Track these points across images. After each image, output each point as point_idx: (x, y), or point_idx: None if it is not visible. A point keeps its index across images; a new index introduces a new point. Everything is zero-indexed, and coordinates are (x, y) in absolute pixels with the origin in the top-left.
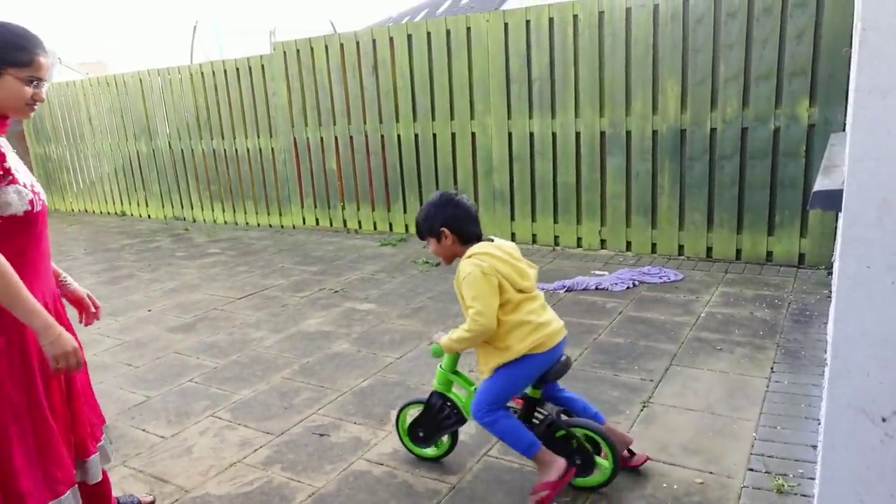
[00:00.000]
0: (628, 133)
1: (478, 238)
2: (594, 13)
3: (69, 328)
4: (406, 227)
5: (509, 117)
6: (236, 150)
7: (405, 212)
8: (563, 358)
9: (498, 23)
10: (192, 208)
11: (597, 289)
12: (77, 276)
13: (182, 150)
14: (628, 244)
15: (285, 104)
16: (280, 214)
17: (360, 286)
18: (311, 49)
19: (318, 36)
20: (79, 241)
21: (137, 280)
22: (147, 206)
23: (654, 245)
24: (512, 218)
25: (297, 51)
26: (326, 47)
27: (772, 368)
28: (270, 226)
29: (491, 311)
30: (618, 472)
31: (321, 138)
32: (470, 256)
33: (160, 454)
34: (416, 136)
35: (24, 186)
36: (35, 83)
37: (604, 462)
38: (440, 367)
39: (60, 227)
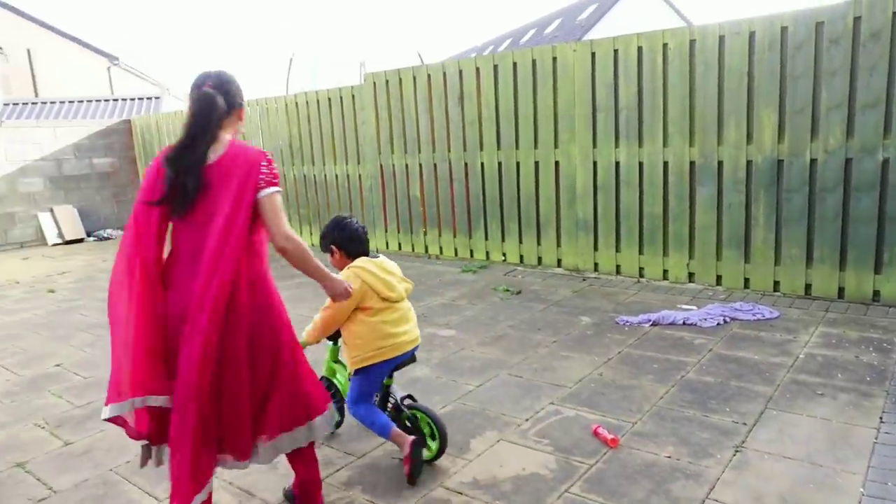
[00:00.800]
0: (720, 163)
1: (364, 254)
2: (685, 42)
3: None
4: (487, 254)
5: (594, 146)
6: (325, 176)
7: (486, 239)
8: (411, 360)
9: (585, 53)
10: None
11: (684, 324)
12: None
13: None
14: (718, 278)
15: (373, 132)
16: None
17: (440, 312)
18: (400, 80)
19: (406, 67)
20: None
21: None
22: None
23: (746, 280)
24: (595, 248)
25: (387, 81)
26: (414, 78)
27: (881, 418)
28: None
29: (337, 313)
30: (443, 453)
31: (406, 165)
32: (350, 267)
33: (249, 468)
34: (500, 164)
35: None
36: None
37: (433, 444)
38: (327, 357)
39: None
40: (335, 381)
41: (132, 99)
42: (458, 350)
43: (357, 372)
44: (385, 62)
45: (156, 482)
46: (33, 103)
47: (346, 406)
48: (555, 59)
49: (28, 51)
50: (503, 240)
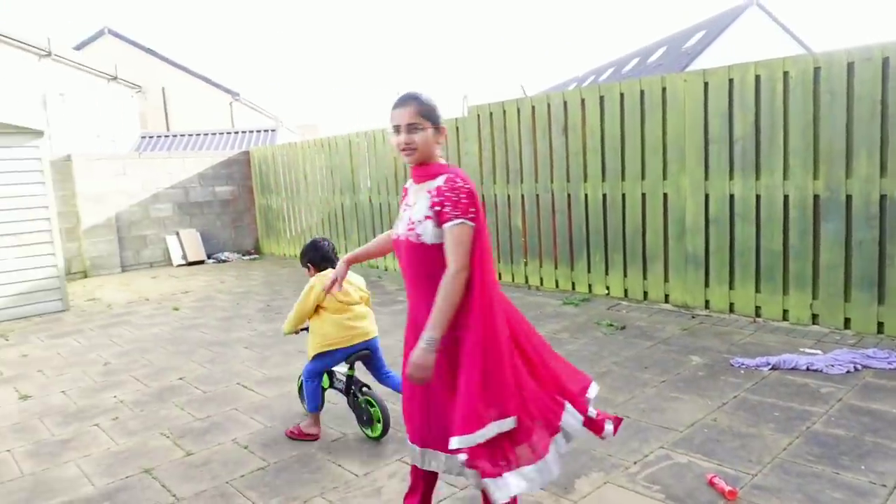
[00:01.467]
0: (849, 197)
1: (332, 268)
2: (808, 69)
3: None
4: (589, 286)
5: (706, 178)
6: None
7: (589, 271)
8: (365, 350)
9: (697, 82)
10: (385, 258)
11: (808, 369)
12: (286, 316)
13: (380, 204)
14: (847, 321)
15: (476, 163)
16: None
17: None
18: (504, 111)
19: (511, 100)
20: (290, 283)
21: None
22: (346, 253)
23: (880, 324)
24: (706, 284)
25: (491, 113)
26: (518, 109)
27: None
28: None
29: (302, 309)
30: (387, 431)
31: (508, 196)
32: (316, 276)
33: (353, 491)
34: (605, 195)
35: (401, 220)
36: (395, 132)
37: (379, 426)
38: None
39: (274, 268)
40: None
41: (251, 131)
42: None
43: (315, 356)
44: (487, 94)
45: (269, 496)
46: (165, 136)
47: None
48: (664, 89)
49: (163, 89)
50: (607, 272)
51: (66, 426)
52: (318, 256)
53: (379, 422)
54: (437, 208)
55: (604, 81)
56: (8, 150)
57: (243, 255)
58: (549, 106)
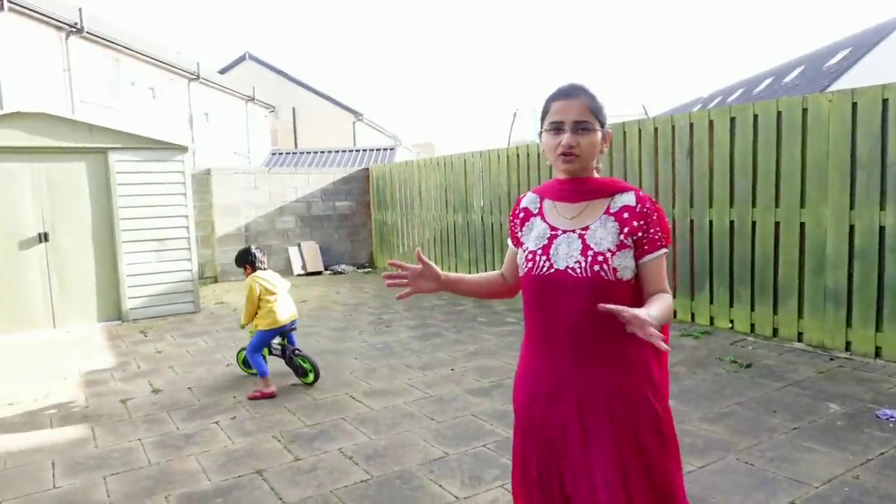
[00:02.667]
0: None
1: (262, 269)
2: None
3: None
4: (711, 319)
5: (852, 207)
6: None
7: (711, 303)
8: (293, 327)
9: (844, 102)
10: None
11: None
12: (395, 330)
13: (492, 224)
14: None
15: None
16: None
17: None
18: (624, 133)
19: (631, 120)
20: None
21: (444, 339)
22: (456, 270)
23: None
24: (848, 324)
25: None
26: (640, 130)
27: None
28: None
29: (252, 304)
30: (318, 377)
31: None
32: (251, 277)
33: None
34: (732, 222)
35: (526, 251)
36: (555, 130)
37: (311, 375)
38: (249, 331)
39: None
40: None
41: (370, 150)
42: (676, 423)
43: (261, 333)
44: (607, 114)
45: None
46: (293, 153)
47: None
48: (805, 110)
49: (293, 109)
50: (731, 305)
51: (190, 421)
52: (251, 259)
53: (311, 371)
54: (640, 234)
55: (733, 102)
56: (157, 164)
57: (358, 267)
58: (673, 127)
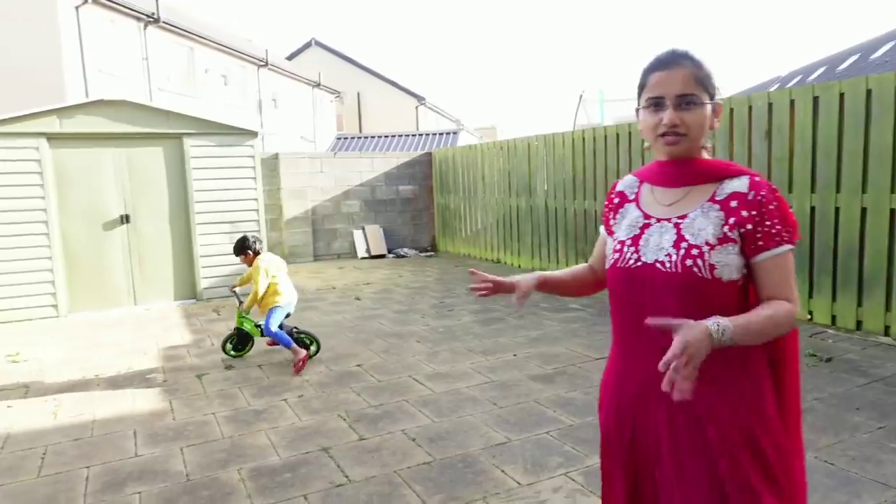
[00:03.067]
0: None
1: (259, 253)
2: None
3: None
4: None
5: None
6: None
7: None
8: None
9: None
10: (559, 263)
11: None
12: (457, 314)
13: (556, 209)
14: None
15: None
16: None
17: None
18: None
19: None
20: (462, 281)
21: (506, 324)
22: (519, 256)
23: None
24: None
25: None
26: None
27: None
28: None
29: (261, 287)
30: (319, 349)
31: None
32: (258, 261)
33: (516, 500)
34: (813, 208)
35: (615, 241)
36: (654, 107)
37: (313, 347)
38: (240, 314)
39: (448, 266)
40: (244, 328)
41: (433, 134)
42: None
43: (271, 310)
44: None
45: (432, 492)
46: (357, 137)
47: (263, 329)
48: None
49: (358, 94)
50: (810, 296)
51: (261, 398)
52: (251, 247)
53: (312, 343)
54: (750, 226)
55: (815, 81)
56: (229, 149)
57: (420, 251)
58: (750, 108)
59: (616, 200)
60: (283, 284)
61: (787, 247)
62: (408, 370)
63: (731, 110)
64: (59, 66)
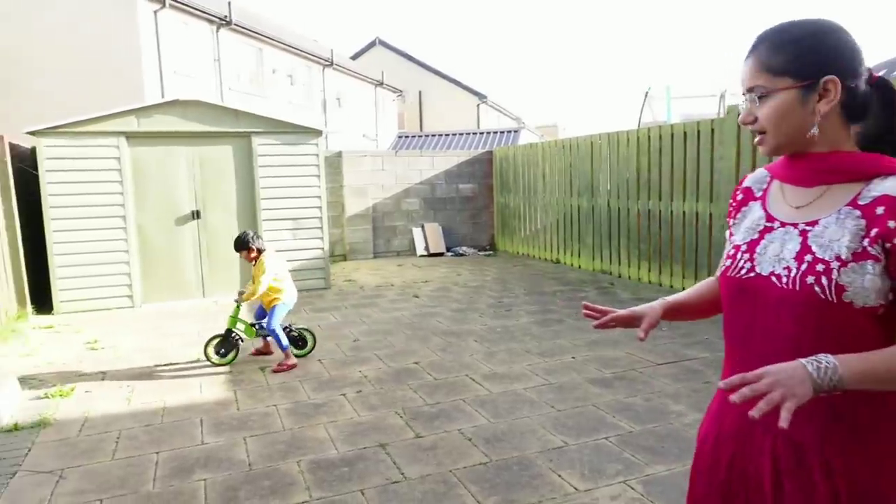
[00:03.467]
0: None
1: (263, 250)
2: None
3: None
4: None
5: None
6: (672, 212)
7: None
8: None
9: None
10: (620, 264)
11: None
12: (515, 314)
13: (619, 209)
14: None
15: (731, 168)
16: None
17: None
18: None
19: None
20: (521, 281)
21: (565, 326)
22: (579, 257)
23: None
24: None
25: None
26: None
27: None
28: None
29: (258, 283)
30: (315, 346)
31: None
32: (265, 257)
33: None
34: None
35: (732, 245)
36: (746, 98)
37: (309, 344)
38: (231, 315)
39: (507, 266)
40: (236, 329)
41: (494, 132)
42: None
43: (274, 308)
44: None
45: (488, 493)
46: (419, 136)
47: (266, 327)
48: None
49: (419, 92)
50: None
51: (320, 392)
52: (252, 242)
53: (310, 339)
54: None
55: None
56: (294, 147)
57: (479, 250)
58: None
59: (739, 197)
60: (286, 282)
61: None
62: (465, 369)
63: None
64: (138, 68)
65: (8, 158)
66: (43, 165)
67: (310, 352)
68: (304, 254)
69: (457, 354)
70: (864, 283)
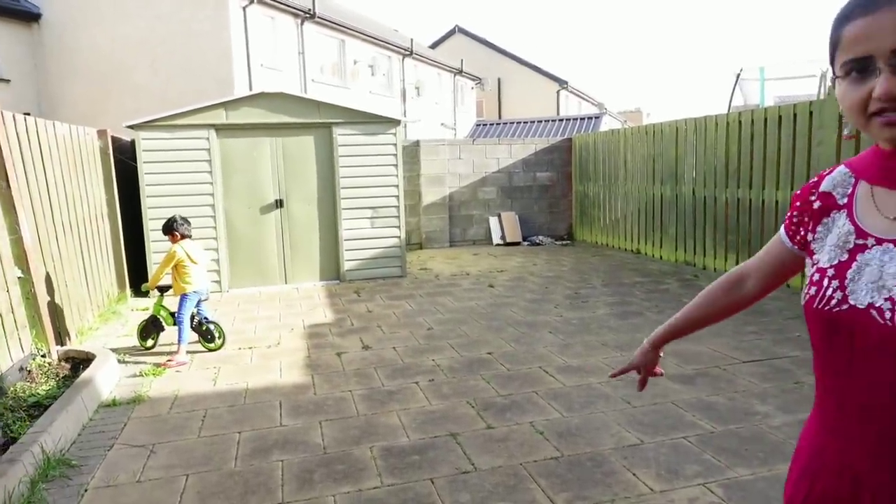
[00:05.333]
0: None
1: (189, 237)
2: None
3: None
4: None
5: None
6: (763, 202)
7: None
8: (206, 297)
9: None
10: (705, 255)
11: None
12: (592, 306)
13: (705, 198)
14: None
15: (831, 154)
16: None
17: None
18: None
19: None
20: (598, 272)
21: (645, 319)
22: (661, 247)
23: None
24: None
25: None
26: None
27: None
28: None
29: (162, 267)
30: (224, 343)
31: None
32: (177, 244)
33: None
34: None
35: (815, 267)
36: (858, 73)
37: (218, 341)
38: (155, 301)
39: (584, 256)
40: (160, 316)
41: (574, 119)
42: None
43: (182, 297)
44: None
45: (558, 488)
46: (497, 124)
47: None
48: None
49: (498, 79)
50: None
51: (394, 379)
52: (180, 228)
53: (220, 336)
54: None
55: None
56: (373, 137)
57: (556, 239)
58: None
59: (817, 204)
60: (194, 272)
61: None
62: (538, 361)
63: None
64: (228, 62)
65: (110, 151)
66: (141, 157)
67: (219, 348)
68: (381, 241)
69: (531, 346)
70: None
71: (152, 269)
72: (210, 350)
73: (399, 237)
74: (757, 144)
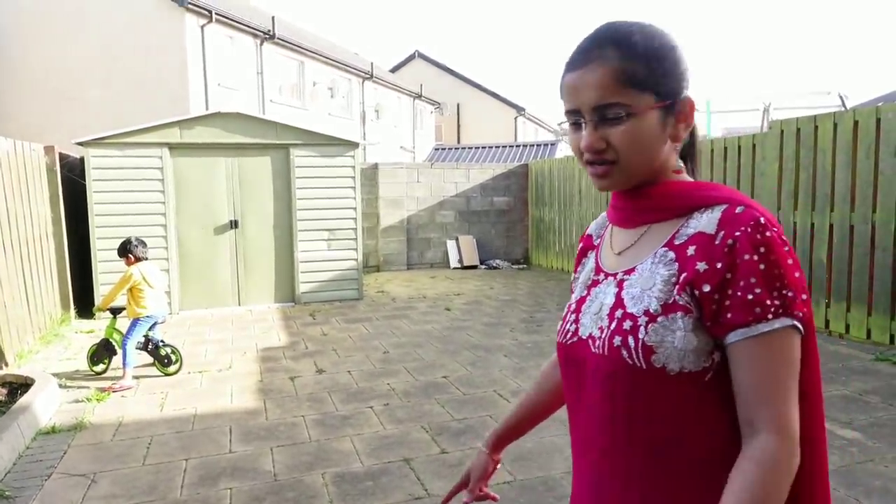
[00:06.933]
0: None
1: (144, 259)
2: None
3: None
4: None
5: None
6: None
7: None
8: (163, 319)
9: None
10: None
11: None
12: (546, 329)
13: None
14: None
15: (773, 186)
16: None
17: (840, 406)
18: (816, 127)
19: (825, 113)
20: (553, 296)
21: None
22: None
23: None
24: None
25: (798, 129)
26: (835, 125)
27: None
28: None
29: (117, 289)
30: (181, 368)
31: (812, 224)
32: (134, 265)
33: None
34: None
35: (567, 306)
36: (574, 125)
37: (175, 365)
38: (108, 325)
39: (540, 280)
40: (112, 340)
41: (531, 145)
42: (863, 461)
43: (134, 321)
44: (793, 109)
45: None
46: (455, 148)
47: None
48: None
49: (457, 105)
50: None
51: (348, 404)
52: (132, 250)
53: (177, 361)
54: (707, 287)
55: None
56: (331, 159)
57: (513, 263)
58: (878, 121)
59: (580, 246)
60: (150, 296)
61: (776, 324)
62: (493, 385)
63: (856, 123)
64: (185, 80)
65: (57, 168)
66: (90, 175)
67: (176, 372)
68: (338, 264)
69: (486, 369)
70: (675, 343)
71: (99, 290)
72: (167, 374)
73: (356, 259)
74: (704, 174)
